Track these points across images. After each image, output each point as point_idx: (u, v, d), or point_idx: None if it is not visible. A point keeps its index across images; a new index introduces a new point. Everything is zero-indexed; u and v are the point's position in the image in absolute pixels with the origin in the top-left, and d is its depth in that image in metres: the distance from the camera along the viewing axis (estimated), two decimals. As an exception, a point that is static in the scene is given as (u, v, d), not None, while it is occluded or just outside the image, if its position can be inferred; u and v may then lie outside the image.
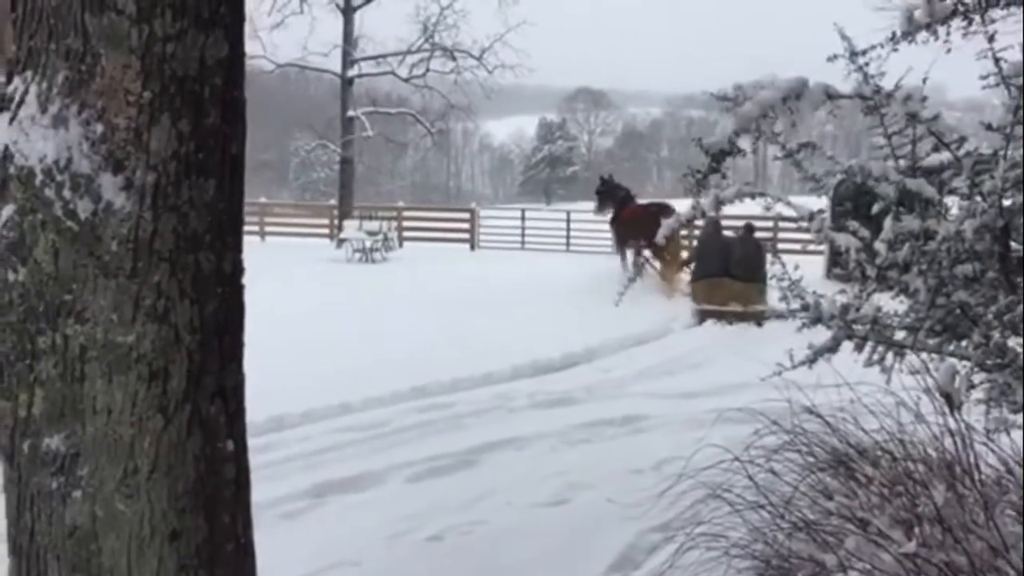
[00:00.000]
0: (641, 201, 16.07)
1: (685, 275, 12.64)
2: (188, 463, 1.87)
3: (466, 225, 24.99)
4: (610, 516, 4.09)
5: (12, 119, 1.78)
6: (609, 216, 16.10)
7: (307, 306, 11.19)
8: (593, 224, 24.19)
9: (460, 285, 14.87)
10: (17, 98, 1.79)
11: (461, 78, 26.29)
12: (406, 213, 26.01)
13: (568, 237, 24.43)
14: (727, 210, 3.02)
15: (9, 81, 1.83)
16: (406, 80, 26.28)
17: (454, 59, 26.02)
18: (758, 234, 12.65)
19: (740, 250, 11.57)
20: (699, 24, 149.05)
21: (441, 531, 4.12)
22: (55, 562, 1.83)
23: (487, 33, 26.06)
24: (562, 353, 8.48)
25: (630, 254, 14.49)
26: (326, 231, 26.12)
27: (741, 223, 12.60)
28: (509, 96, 30.79)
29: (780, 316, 3.14)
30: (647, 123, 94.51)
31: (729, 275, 11.20)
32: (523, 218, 25.47)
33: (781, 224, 18.15)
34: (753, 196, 3.24)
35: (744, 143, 2.52)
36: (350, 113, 25.56)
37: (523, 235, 25.09)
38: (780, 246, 16.85)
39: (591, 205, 18.86)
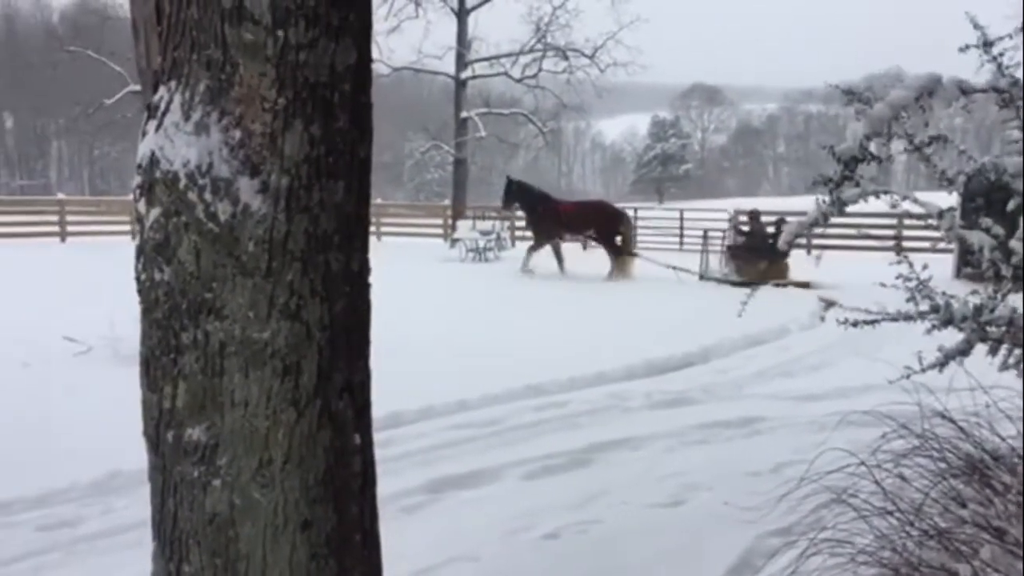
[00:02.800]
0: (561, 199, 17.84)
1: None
2: (319, 455, 1.94)
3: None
4: (728, 519, 4.02)
5: (158, 127, 1.88)
6: (516, 210, 18.23)
7: (422, 305, 11.38)
8: (708, 223, 23.84)
9: (571, 283, 14.87)
10: (162, 107, 1.89)
11: (573, 77, 26.32)
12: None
13: (681, 236, 24.14)
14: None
15: (155, 91, 1.94)
16: (519, 80, 26.46)
17: (566, 58, 26.06)
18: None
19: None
20: (816, 16, 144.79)
21: (557, 529, 4.13)
22: (196, 547, 1.93)
23: (600, 31, 26.01)
24: (677, 353, 8.38)
25: (549, 246, 16.36)
26: (440, 231, 26.51)
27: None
28: (621, 94, 30.57)
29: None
30: (763, 119, 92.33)
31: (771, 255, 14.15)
32: (635, 216, 25.25)
33: (906, 222, 17.49)
34: (878, 194, 3.14)
35: (876, 147, 2.45)
36: (463, 114, 25.89)
37: (635, 234, 24.88)
38: (905, 244, 16.26)
39: (706, 204, 18.90)
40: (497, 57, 26.38)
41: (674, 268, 14.68)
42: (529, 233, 23.96)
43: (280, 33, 1.79)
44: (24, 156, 72.53)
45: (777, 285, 13.02)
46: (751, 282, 12.61)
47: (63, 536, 4.17)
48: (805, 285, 13.65)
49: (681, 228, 24.25)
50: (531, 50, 26.31)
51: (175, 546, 1.95)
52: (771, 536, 3.68)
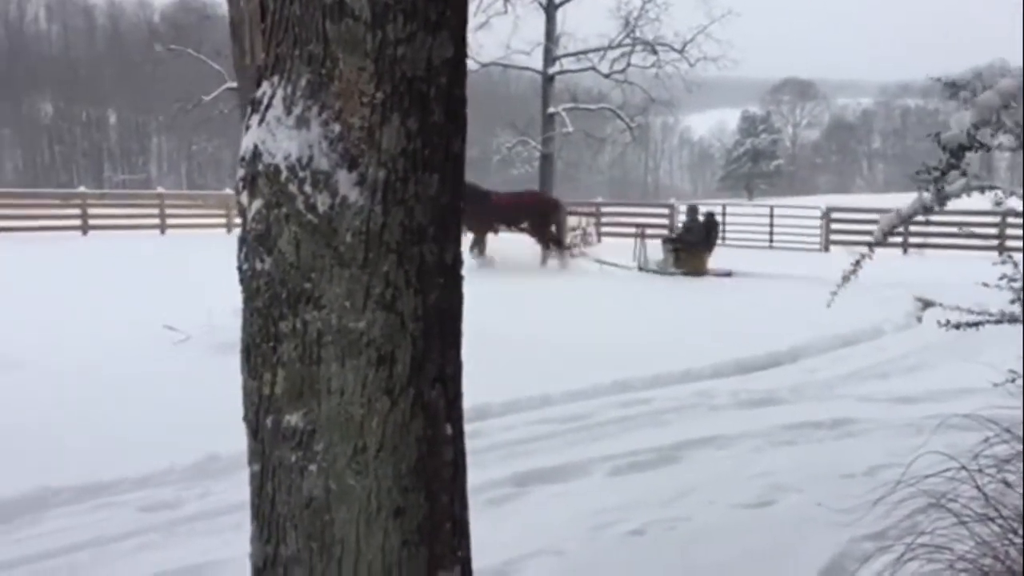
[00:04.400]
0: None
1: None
2: (411, 444, 1.96)
3: (665, 220, 24.73)
4: (818, 521, 3.94)
5: (261, 121, 1.94)
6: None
7: (505, 298, 11.43)
8: (798, 220, 23.37)
9: (657, 280, 14.75)
10: (265, 101, 1.94)
11: (662, 72, 26.04)
12: (604, 208, 26.04)
13: (771, 233, 23.71)
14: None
15: (258, 86, 1.99)
16: (607, 76, 26.31)
17: (655, 53, 25.79)
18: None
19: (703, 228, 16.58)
20: (914, 7, 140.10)
21: (643, 526, 4.11)
22: (293, 530, 1.98)
23: (689, 25, 25.66)
24: (765, 352, 8.24)
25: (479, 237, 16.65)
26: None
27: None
28: (711, 89, 30.13)
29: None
30: (857, 114, 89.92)
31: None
32: (724, 213, 24.89)
33: (1010, 220, 16.86)
34: (982, 190, 3.04)
35: (985, 136, 2.35)
36: (550, 110, 25.88)
37: (724, 230, 24.53)
38: (1008, 244, 15.67)
39: (797, 200, 18.79)
40: (585, 52, 26.24)
41: (603, 263, 15.83)
42: (615, 230, 23.89)
43: (379, 28, 1.82)
44: (126, 151, 75.32)
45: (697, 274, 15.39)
46: (687, 272, 15.60)
47: (164, 517, 4.33)
48: (728, 274, 15.74)
49: (771, 226, 23.79)
50: (619, 45, 26.10)
51: (273, 529, 2.01)
52: (865, 540, 3.59)
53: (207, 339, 7.96)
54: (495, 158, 58.90)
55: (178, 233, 24.25)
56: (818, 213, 23.03)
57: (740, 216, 25.33)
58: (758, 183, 70.33)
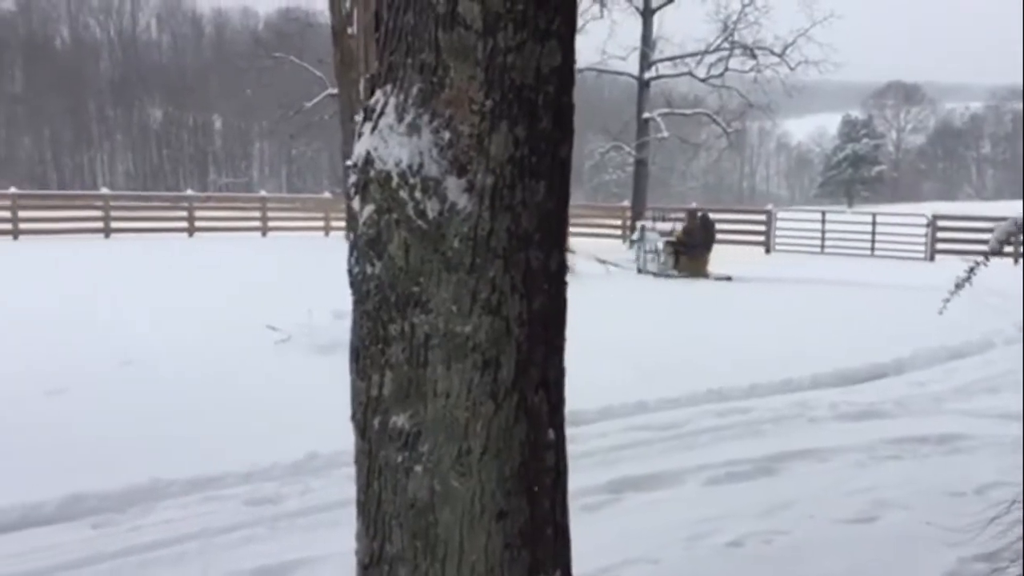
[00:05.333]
0: None
1: None
2: (514, 448, 1.98)
3: (761, 227, 24.31)
4: (925, 539, 3.81)
5: (373, 128, 1.98)
6: None
7: (599, 304, 11.39)
8: (902, 228, 22.69)
9: (752, 287, 14.50)
10: (378, 109, 1.99)
11: (761, 76, 25.56)
12: (699, 214, 25.67)
13: (873, 241, 23.05)
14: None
15: (371, 94, 2.04)
16: (703, 80, 25.98)
17: (754, 57, 25.35)
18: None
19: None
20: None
21: (740, 537, 4.04)
22: (398, 529, 2.02)
23: (790, 28, 25.13)
24: (868, 363, 8.02)
25: None
26: (618, 232, 26.45)
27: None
28: (811, 93, 29.45)
29: None
30: (965, 118, 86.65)
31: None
32: (823, 220, 24.35)
33: None
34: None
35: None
36: (645, 115, 25.70)
37: (823, 238, 24.00)
38: None
39: (900, 208, 18.14)
40: (682, 56, 25.97)
41: (602, 262, 16.02)
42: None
43: (490, 37, 1.85)
44: (230, 156, 77.78)
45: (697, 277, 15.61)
46: (687, 275, 15.86)
47: (267, 511, 4.46)
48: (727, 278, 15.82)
49: (873, 234, 23.13)
50: (717, 49, 25.75)
51: (378, 526, 2.05)
52: (976, 560, 3.47)
53: (307, 339, 8.16)
54: (587, 163, 58.85)
55: (278, 235, 24.93)
56: (923, 221, 22.28)
57: (840, 223, 24.73)
58: (859, 189, 68.45)
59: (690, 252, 16.53)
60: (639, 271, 16.63)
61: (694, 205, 27.91)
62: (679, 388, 6.84)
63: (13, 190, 23.69)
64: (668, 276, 16.08)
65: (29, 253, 17.95)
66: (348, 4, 19.27)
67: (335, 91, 22.54)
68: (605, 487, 4.77)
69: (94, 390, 6.69)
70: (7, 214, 22.35)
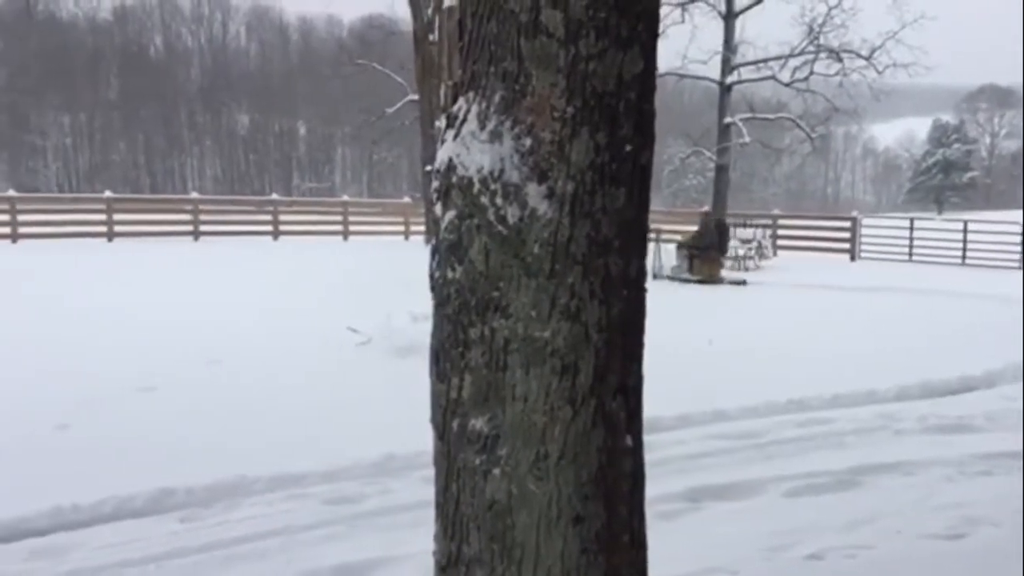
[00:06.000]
0: None
1: None
2: (592, 454, 1.98)
3: (846, 234, 23.76)
4: (1015, 557, 3.68)
5: (456, 135, 2.01)
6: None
7: (679, 311, 11.29)
8: (995, 236, 21.94)
9: (838, 296, 14.19)
10: (461, 116, 2.02)
11: (847, 80, 24.94)
12: (781, 221, 25.28)
13: (964, 249, 22.31)
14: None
15: (454, 102, 2.07)
16: (787, 84, 25.49)
17: (840, 60, 24.76)
18: None
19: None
20: None
21: (821, 550, 3.96)
22: (476, 531, 2.04)
23: (878, 31, 24.48)
24: (957, 375, 7.77)
25: None
26: (698, 238, 26.13)
27: None
28: (900, 97, 28.66)
29: None
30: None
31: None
32: (911, 227, 23.67)
33: None
34: None
35: None
36: (727, 119, 25.35)
37: (911, 246, 23.33)
38: None
39: (993, 215, 17.44)
40: (765, 60, 25.51)
41: None
42: (792, 243, 23.17)
43: (572, 44, 1.86)
44: (313, 161, 79.42)
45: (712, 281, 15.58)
46: (701, 280, 15.74)
47: (347, 510, 4.54)
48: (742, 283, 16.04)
49: (964, 242, 22.39)
50: (802, 52, 25.24)
51: (456, 528, 2.07)
52: (1068, 582, 3.34)
53: (386, 342, 8.28)
54: (667, 169, 58.37)
55: (359, 239, 25.32)
56: (1018, 228, 21.48)
57: (929, 231, 24.02)
58: (949, 196, 66.37)
59: (703, 255, 16.43)
60: (654, 276, 16.44)
61: (776, 211, 27.48)
62: (758, 397, 6.74)
63: (108, 194, 24.60)
64: (683, 280, 15.94)
65: (122, 254, 18.61)
66: (430, 12, 19.56)
67: (416, 97, 22.87)
68: (683, 495, 4.73)
69: (182, 388, 6.91)
70: (103, 217, 23.21)
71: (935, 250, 22.62)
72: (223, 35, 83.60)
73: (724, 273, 16.82)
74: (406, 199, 29.95)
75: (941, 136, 69.32)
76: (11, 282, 13.49)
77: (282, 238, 24.72)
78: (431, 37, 19.61)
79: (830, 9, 24.66)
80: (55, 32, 72.08)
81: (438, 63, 19.35)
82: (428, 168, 20.79)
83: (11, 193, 23.26)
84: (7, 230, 21.05)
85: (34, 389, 6.75)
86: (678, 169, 54.95)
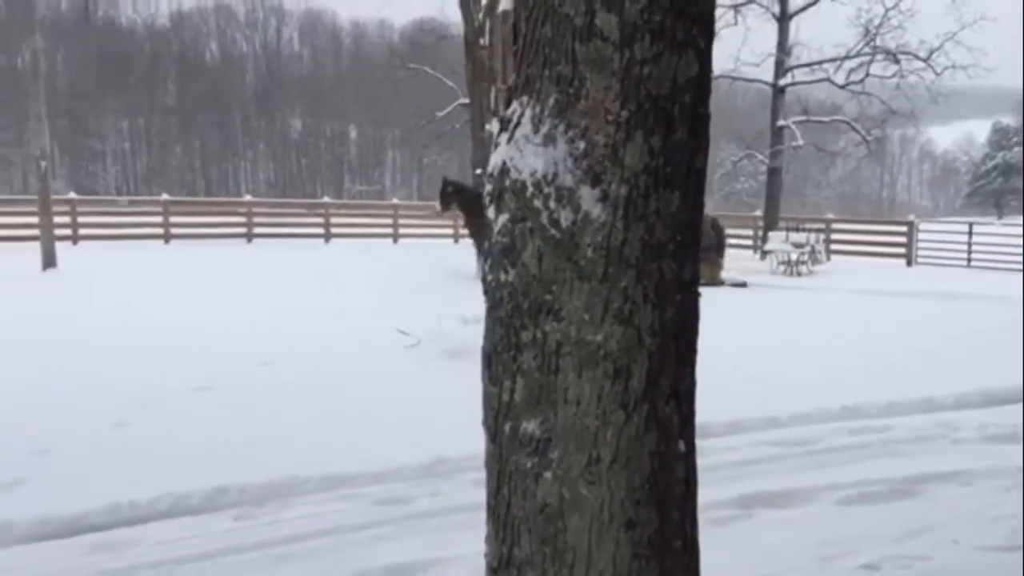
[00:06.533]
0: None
1: None
2: (644, 458, 1.97)
3: (902, 239, 23.34)
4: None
5: (510, 139, 2.02)
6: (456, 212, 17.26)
7: (728, 315, 11.19)
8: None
9: (893, 301, 13.94)
10: (514, 120, 2.02)
11: (904, 82, 24.53)
12: (835, 225, 24.93)
13: (1026, 255, 21.76)
14: None
15: (507, 105, 2.08)
16: (842, 86, 25.14)
17: (897, 62, 24.36)
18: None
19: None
20: None
21: (876, 560, 3.89)
22: (527, 534, 2.04)
23: (936, 32, 24.03)
24: (1017, 383, 7.57)
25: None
26: (749, 242, 25.92)
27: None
28: (958, 99, 28.03)
29: None
30: None
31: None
32: (970, 232, 23.17)
33: None
34: None
35: None
36: (780, 122, 25.07)
37: (970, 251, 22.85)
38: None
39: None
40: (820, 62, 25.19)
41: None
42: (846, 248, 22.83)
43: (627, 48, 1.86)
44: (364, 164, 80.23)
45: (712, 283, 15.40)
46: (704, 283, 14.83)
47: (396, 511, 4.57)
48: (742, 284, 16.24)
49: (1025, 246, 21.86)
50: (858, 54, 24.88)
51: (508, 531, 2.08)
52: None
53: (436, 345, 8.32)
54: (719, 172, 57.86)
55: (409, 242, 25.51)
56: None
57: (988, 236, 23.50)
58: (1009, 200, 64.87)
59: (703, 257, 16.14)
60: None
61: (830, 215, 27.08)
62: (811, 403, 6.65)
63: (165, 196, 25.11)
64: None
65: (178, 256, 18.97)
66: (481, 16, 19.63)
67: (466, 100, 22.98)
68: (735, 502, 4.68)
69: (236, 388, 7.02)
70: (159, 219, 23.70)
71: (995, 256, 22.12)
72: (277, 40, 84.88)
73: (724, 275, 16.67)
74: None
75: (1001, 139, 67.84)
76: (71, 283, 13.83)
77: (333, 240, 24.99)
78: (482, 41, 19.68)
79: (887, 10, 24.30)
80: (114, 38, 73.79)
81: (489, 67, 19.43)
82: (478, 171, 20.88)
83: (72, 196, 23.83)
84: (68, 232, 21.57)
85: (93, 387, 6.91)
86: (730, 172, 54.48)
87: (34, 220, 16.59)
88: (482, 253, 15.51)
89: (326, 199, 29.45)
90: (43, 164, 15.84)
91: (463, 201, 16.77)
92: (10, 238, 20.14)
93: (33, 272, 15.14)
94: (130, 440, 5.66)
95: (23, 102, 21.95)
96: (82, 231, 22.35)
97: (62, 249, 16.67)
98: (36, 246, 16.07)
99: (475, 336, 6.91)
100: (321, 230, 25.56)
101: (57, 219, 17.32)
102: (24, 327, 9.61)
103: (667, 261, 1.96)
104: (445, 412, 6.03)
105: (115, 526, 4.36)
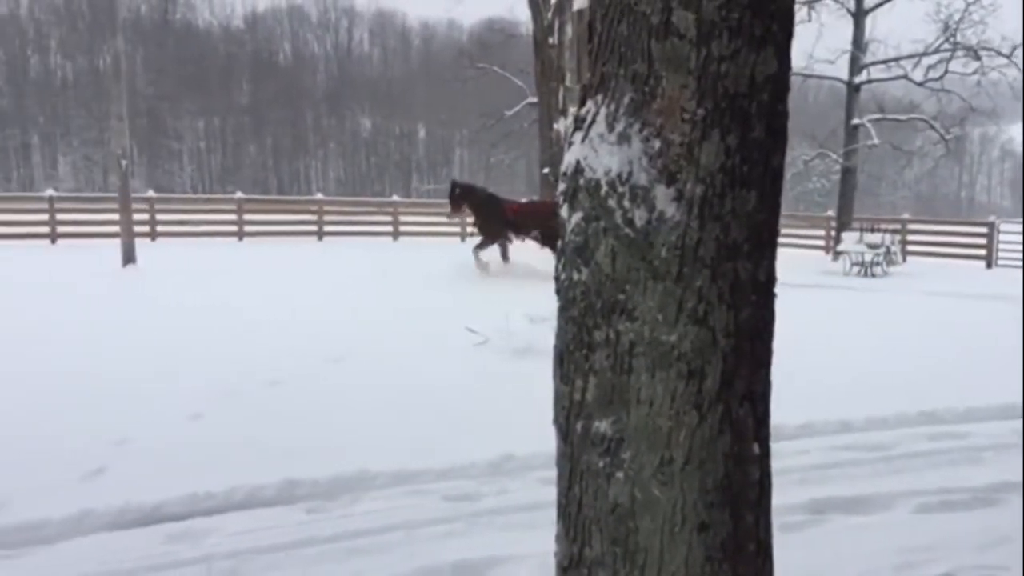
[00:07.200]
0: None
1: None
2: (718, 460, 1.96)
3: (982, 240, 22.67)
4: None
5: (584, 137, 2.02)
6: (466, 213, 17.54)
7: (803, 318, 10.99)
8: None
9: (971, 304, 13.55)
10: (589, 119, 2.02)
11: (985, 79, 23.77)
12: (911, 226, 24.32)
13: (1112, 258, 20.95)
14: None
15: (582, 104, 2.08)
16: (920, 84, 24.47)
17: (978, 58, 23.62)
18: None
19: None
20: None
21: (955, 570, 3.78)
22: (598, 533, 2.04)
23: (1019, 27, 23.25)
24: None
25: (497, 245, 16.47)
26: (821, 243, 25.44)
27: None
28: (1043, 96, 27.11)
29: None
30: None
31: None
32: (1051, 234, 22.36)
33: None
34: None
35: None
36: (855, 121, 24.52)
37: (1051, 253, 22.05)
38: None
39: None
40: (897, 59, 24.56)
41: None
42: (923, 249, 22.25)
43: (704, 46, 1.84)
44: (432, 163, 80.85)
45: None
46: None
47: (465, 508, 4.60)
48: None
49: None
50: (937, 50, 24.21)
51: (578, 530, 2.08)
52: None
53: (503, 343, 8.34)
54: (790, 172, 56.86)
55: (476, 240, 25.57)
56: None
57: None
58: (1097, 200, 62.52)
59: None
60: None
61: (906, 215, 26.44)
62: (887, 407, 6.50)
63: (239, 195, 25.64)
64: None
65: (251, 253, 19.36)
66: (550, 15, 19.64)
67: (535, 100, 23.01)
68: (806, 506, 4.60)
69: (306, 383, 7.13)
70: (234, 217, 24.22)
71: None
72: (348, 41, 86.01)
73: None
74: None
75: (1087, 137, 65.28)
76: (149, 279, 14.22)
77: (401, 239, 25.23)
78: (551, 40, 19.70)
79: (968, 5, 23.58)
80: (192, 40, 75.59)
81: (557, 65, 19.43)
82: (546, 170, 20.92)
83: (150, 194, 24.49)
84: (146, 229, 22.17)
85: (170, 380, 7.09)
86: (802, 172, 53.48)
87: (115, 217, 17.08)
88: (478, 247, 15.41)
89: (395, 198, 29.72)
90: (124, 163, 16.30)
91: (472, 202, 16.90)
92: (93, 235, 20.78)
93: (114, 268, 15.60)
94: (205, 432, 5.80)
95: (105, 102, 22.60)
96: (160, 228, 22.97)
97: (141, 245, 17.13)
98: (117, 243, 16.54)
99: (543, 334, 6.97)
100: (390, 228, 25.83)
101: (136, 216, 17.79)
102: (104, 321, 9.91)
103: (742, 261, 1.94)
104: (512, 410, 6.05)
105: (192, 516, 4.47)
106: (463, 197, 16.99)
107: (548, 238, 16.32)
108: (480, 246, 16.55)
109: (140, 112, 62.41)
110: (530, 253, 15.94)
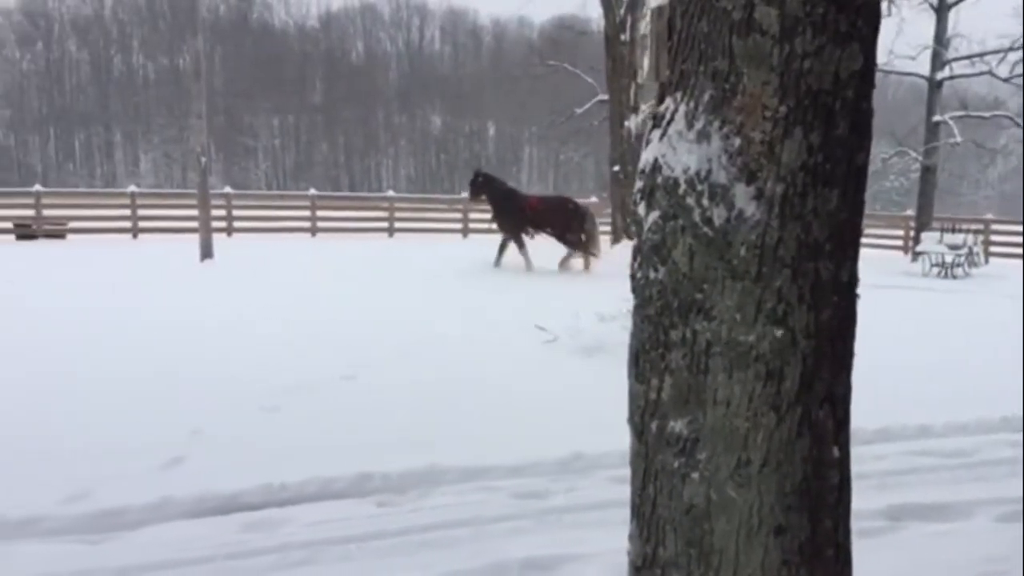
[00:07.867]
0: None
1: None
2: (796, 463, 1.93)
3: (1068, 242, 21.86)
4: None
5: (662, 135, 2.00)
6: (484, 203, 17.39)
7: (881, 319, 10.73)
8: None
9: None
10: (668, 116, 2.00)
11: (1076, 75, 22.90)
12: (995, 226, 23.58)
13: None
14: None
15: (661, 101, 2.06)
16: (1006, 80, 23.66)
17: (1067, 54, 22.77)
18: None
19: None
20: None
21: (1038, 582, 3.68)
22: (672, 534, 2.02)
23: (1112, 20, 22.32)
24: None
25: (514, 239, 16.36)
26: (899, 243, 24.83)
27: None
28: None
29: None
30: None
31: None
32: None
33: None
34: None
35: None
36: (936, 118, 23.84)
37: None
38: None
39: None
40: (981, 55, 23.78)
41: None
42: (1007, 251, 21.52)
43: (787, 42, 1.81)
44: (501, 160, 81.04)
45: None
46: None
47: (533, 505, 4.60)
48: None
49: None
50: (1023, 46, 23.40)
51: (652, 530, 2.06)
52: None
53: (573, 341, 8.33)
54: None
55: (545, 238, 25.57)
56: None
57: None
58: None
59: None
60: None
61: (988, 216, 25.65)
62: (967, 413, 6.31)
63: (312, 191, 26.08)
64: None
65: (324, 249, 19.66)
66: (622, 11, 19.51)
67: (605, 97, 22.88)
68: (883, 512, 4.49)
69: (379, 378, 7.22)
70: (307, 213, 24.65)
71: None
72: (419, 39, 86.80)
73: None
74: (593, 199, 30.02)
75: None
76: (226, 273, 14.55)
77: (470, 236, 25.35)
78: (622, 37, 19.57)
79: (1057, -3, 22.70)
80: (268, 39, 77.15)
81: (629, 62, 19.29)
82: (615, 168, 20.79)
83: (227, 190, 25.07)
84: (223, 224, 22.70)
85: (246, 372, 7.24)
86: (879, 170, 52.14)
87: (194, 213, 17.55)
88: (503, 239, 15.33)
89: (464, 195, 29.89)
90: (203, 160, 16.71)
91: (491, 194, 16.91)
92: (172, 230, 21.38)
93: (192, 262, 16.01)
94: (280, 424, 5.92)
95: (184, 101, 23.20)
96: (236, 224, 23.48)
97: (218, 240, 17.54)
98: (195, 238, 16.99)
99: (612, 333, 6.93)
100: (459, 225, 25.98)
101: (213, 211, 18.22)
102: (183, 314, 10.17)
103: (824, 261, 1.90)
104: (581, 408, 6.04)
105: (267, 506, 4.56)
106: (483, 187, 17.15)
107: (566, 235, 16.43)
108: (503, 243, 16.66)
109: (218, 110, 63.85)
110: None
